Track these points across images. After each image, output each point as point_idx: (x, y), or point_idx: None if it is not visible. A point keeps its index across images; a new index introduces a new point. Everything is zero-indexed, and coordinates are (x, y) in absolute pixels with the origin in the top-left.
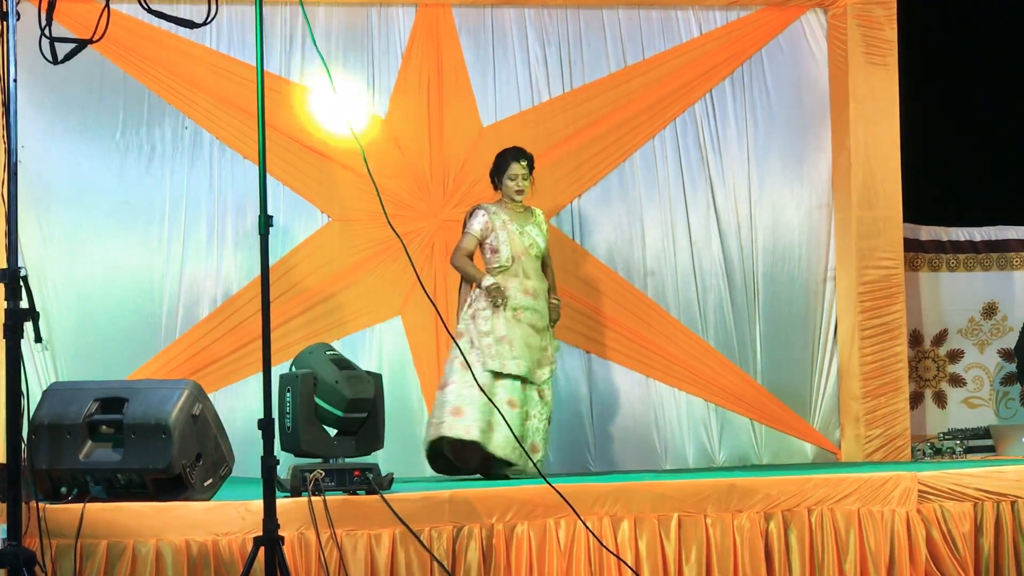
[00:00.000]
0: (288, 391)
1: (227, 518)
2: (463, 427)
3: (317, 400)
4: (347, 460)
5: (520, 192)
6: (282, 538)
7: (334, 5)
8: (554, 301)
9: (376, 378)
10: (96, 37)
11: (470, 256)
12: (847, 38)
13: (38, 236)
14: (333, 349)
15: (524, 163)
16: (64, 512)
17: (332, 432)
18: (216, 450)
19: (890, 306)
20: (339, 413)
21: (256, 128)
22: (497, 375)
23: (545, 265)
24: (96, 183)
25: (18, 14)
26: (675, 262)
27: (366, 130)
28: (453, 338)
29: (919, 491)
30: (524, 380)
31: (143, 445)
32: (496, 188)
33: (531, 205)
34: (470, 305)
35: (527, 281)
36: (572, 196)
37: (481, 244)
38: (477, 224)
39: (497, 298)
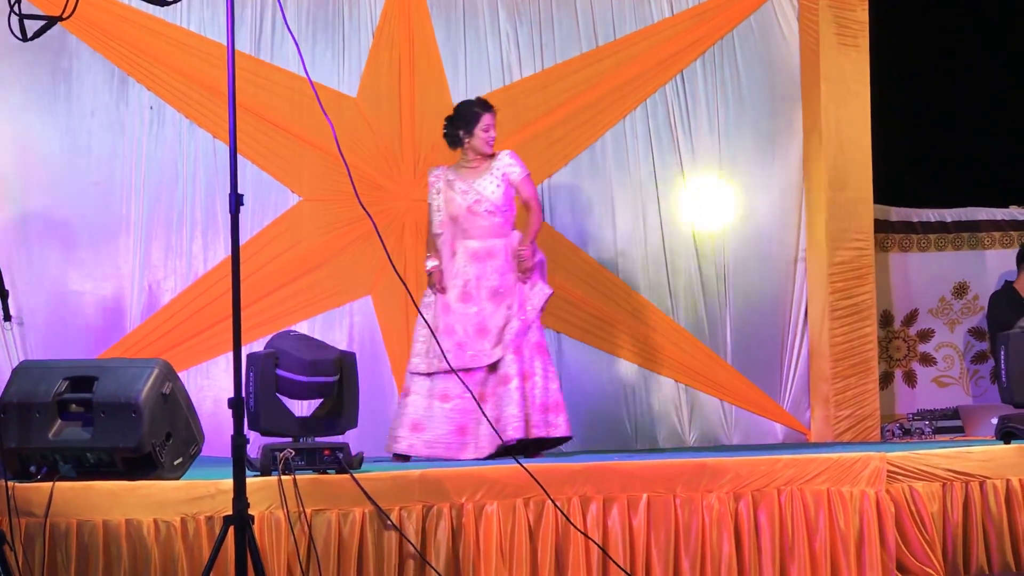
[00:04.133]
0: (250, 371)
1: (197, 497)
2: None
3: (279, 372)
4: (317, 439)
5: (493, 143)
6: (252, 517)
7: None
8: (521, 249)
9: (349, 356)
10: (65, 15)
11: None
12: (819, 19)
13: (7, 214)
14: (304, 337)
15: (495, 112)
16: (33, 491)
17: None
18: (186, 429)
19: (860, 287)
20: (301, 379)
21: (226, 107)
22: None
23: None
24: (66, 163)
25: None
26: (645, 242)
27: (337, 109)
28: (423, 316)
29: (888, 471)
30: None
31: (113, 424)
32: (456, 146)
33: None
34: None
35: (471, 243)
36: (543, 176)
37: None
38: (431, 192)
39: (433, 285)
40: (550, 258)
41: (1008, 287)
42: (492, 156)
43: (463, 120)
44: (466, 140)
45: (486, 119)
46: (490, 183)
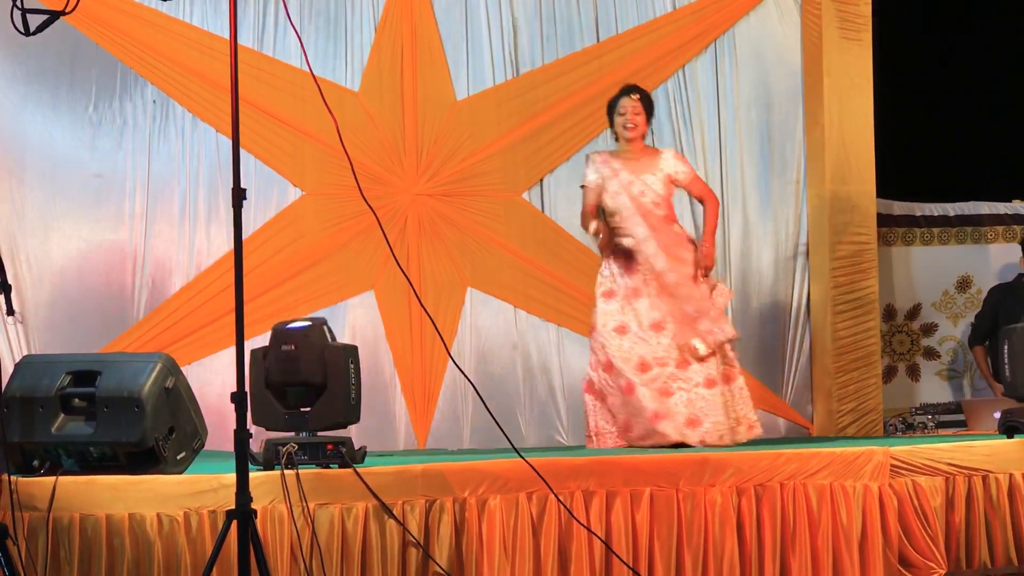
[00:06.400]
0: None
1: (200, 491)
2: None
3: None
4: (320, 433)
5: (631, 128)
6: (255, 511)
7: None
8: (703, 246)
9: (351, 350)
10: (69, 8)
11: (591, 213)
12: (821, 13)
13: (10, 209)
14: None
15: (635, 96)
16: (36, 485)
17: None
18: (189, 423)
19: (863, 281)
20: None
21: (229, 101)
22: None
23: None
24: (69, 156)
25: None
26: None
27: (339, 103)
28: (426, 311)
29: (891, 466)
30: None
31: (116, 418)
32: (615, 138)
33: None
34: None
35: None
36: (544, 171)
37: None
38: (589, 173)
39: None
40: (553, 253)
41: (1019, 280)
42: (657, 152)
43: (608, 111)
44: (612, 128)
45: (621, 103)
46: (656, 179)
